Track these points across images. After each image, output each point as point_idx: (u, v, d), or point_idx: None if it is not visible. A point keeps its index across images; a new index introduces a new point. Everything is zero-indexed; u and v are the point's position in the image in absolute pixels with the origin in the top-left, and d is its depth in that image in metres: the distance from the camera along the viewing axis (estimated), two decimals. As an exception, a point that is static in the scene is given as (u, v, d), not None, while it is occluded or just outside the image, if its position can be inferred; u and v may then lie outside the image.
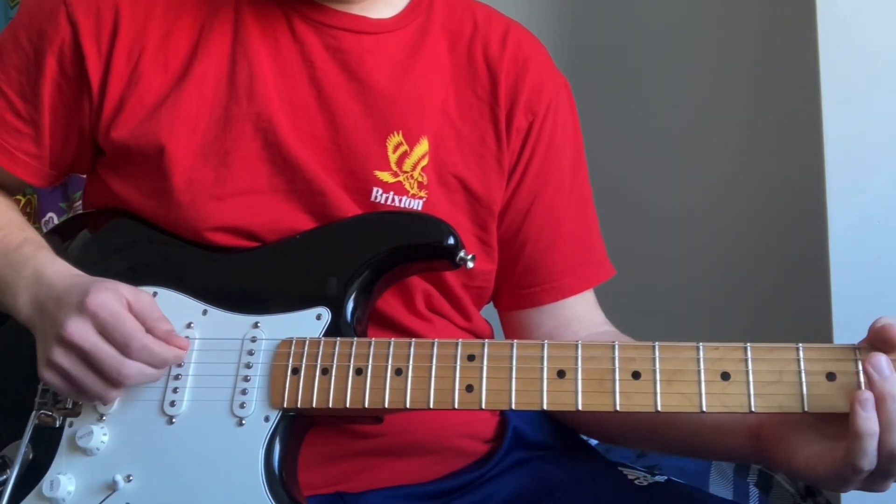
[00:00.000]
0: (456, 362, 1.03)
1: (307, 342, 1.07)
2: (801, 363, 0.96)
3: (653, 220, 2.27)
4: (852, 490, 0.96)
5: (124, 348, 1.04)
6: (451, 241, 1.12)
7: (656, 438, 1.22)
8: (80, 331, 1.04)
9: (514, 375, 1.01)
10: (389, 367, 1.04)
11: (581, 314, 1.32)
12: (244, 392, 1.07)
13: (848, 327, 1.60)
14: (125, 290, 1.07)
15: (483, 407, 1.01)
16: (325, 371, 1.05)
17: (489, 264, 1.29)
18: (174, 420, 1.08)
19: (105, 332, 1.04)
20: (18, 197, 1.35)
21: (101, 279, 1.08)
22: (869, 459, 0.92)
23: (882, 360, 0.94)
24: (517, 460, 1.27)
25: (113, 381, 1.05)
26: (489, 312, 1.37)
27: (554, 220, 1.30)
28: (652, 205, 2.27)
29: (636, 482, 1.20)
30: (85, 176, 1.32)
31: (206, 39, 1.20)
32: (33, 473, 1.09)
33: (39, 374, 1.07)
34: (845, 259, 1.64)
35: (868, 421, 0.91)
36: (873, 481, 0.95)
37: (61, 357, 1.05)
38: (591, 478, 1.23)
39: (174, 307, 1.12)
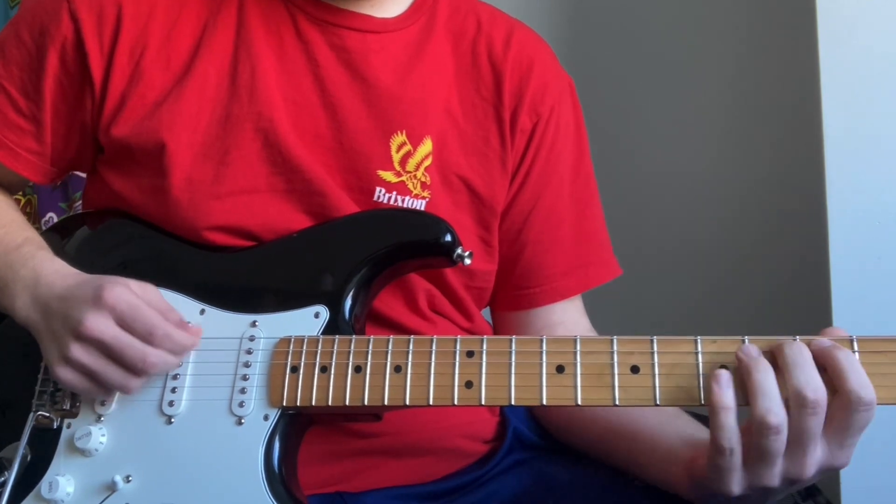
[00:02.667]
0: (455, 358, 1.02)
1: (305, 340, 1.07)
2: (800, 355, 0.96)
3: (652, 220, 2.27)
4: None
5: (148, 337, 1.05)
6: (449, 237, 1.12)
7: (616, 451, 1.23)
8: (100, 324, 1.03)
9: (513, 371, 1.00)
10: (388, 364, 1.04)
11: (567, 319, 1.32)
12: (243, 391, 1.07)
13: (848, 328, 1.59)
14: (133, 284, 1.08)
15: (483, 403, 1.01)
16: (324, 369, 1.05)
17: (490, 264, 1.29)
18: (173, 420, 1.08)
19: (125, 323, 1.04)
20: (18, 196, 1.35)
21: (106, 276, 1.08)
22: (727, 436, 0.94)
23: (752, 347, 0.96)
24: (517, 460, 1.27)
25: (137, 370, 1.05)
26: (486, 313, 1.37)
27: (555, 222, 1.30)
28: (651, 204, 2.28)
29: (635, 482, 1.20)
30: (85, 175, 1.32)
31: (209, 37, 1.21)
32: (32, 475, 1.08)
33: (53, 374, 1.07)
34: (845, 259, 1.64)
35: (722, 396, 0.94)
36: (758, 471, 0.95)
37: (80, 352, 1.04)
38: (590, 478, 1.22)
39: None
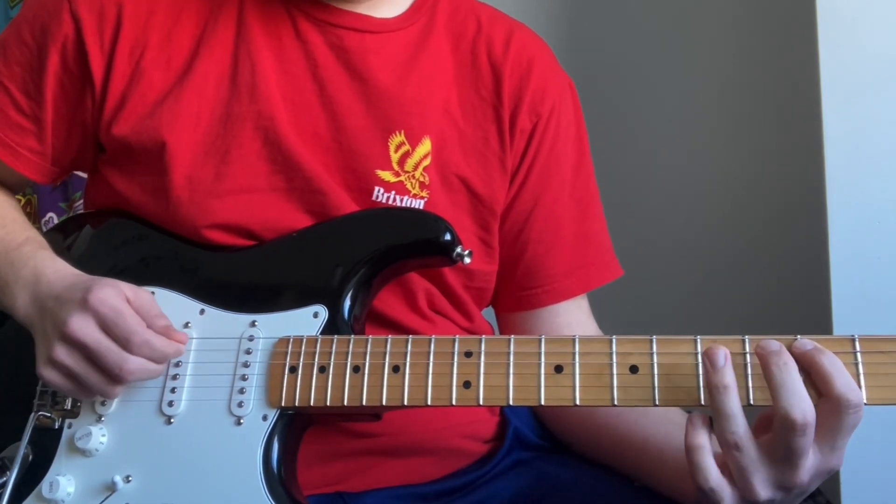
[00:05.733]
0: (453, 359, 1.02)
1: (304, 340, 1.07)
2: (802, 354, 0.95)
3: (653, 219, 2.27)
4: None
5: (126, 343, 1.04)
6: (448, 236, 1.12)
7: (622, 461, 1.23)
8: (83, 327, 1.03)
9: (511, 371, 1.00)
10: (387, 364, 1.04)
11: (573, 321, 1.32)
12: (242, 391, 1.07)
13: (848, 327, 1.60)
14: (125, 287, 1.07)
15: (481, 403, 1.00)
16: (323, 369, 1.05)
17: (490, 265, 1.29)
18: (172, 420, 1.08)
19: (107, 327, 1.04)
20: (19, 196, 1.35)
21: (100, 277, 1.08)
22: (703, 474, 0.93)
23: (720, 352, 0.94)
24: (518, 460, 1.27)
25: (115, 377, 1.04)
26: (488, 313, 1.36)
27: (556, 222, 1.30)
28: (652, 204, 2.28)
29: (636, 483, 1.20)
30: (86, 175, 1.32)
31: (209, 37, 1.21)
32: (33, 475, 1.08)
33: (39, 373, 1.07)
34: (845, 259, 1.64)
35: (716, 376, 0.93)
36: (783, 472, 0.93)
37: (63, 354, 1.04)
38: (591, 478, 1.22)
39: (171, 307, 1.11)
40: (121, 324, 1.04)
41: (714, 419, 0.94)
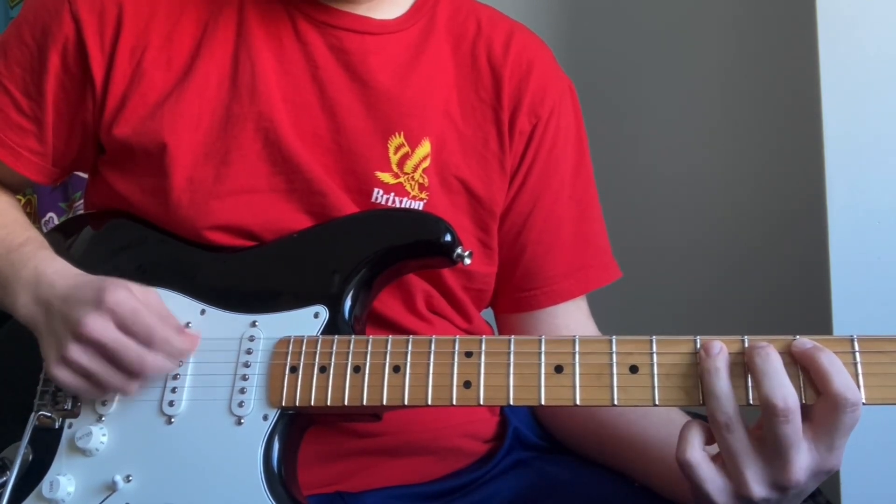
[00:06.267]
0: (454, 359, 1.02)
1: (305, 340, 1.07)
2: (801, 354, 0.95)
3: (652, 220, 2.27)
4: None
5: (148, 341, 1.05)
6: (448, 237, 1.12)
7: (623, 463, 1.23)
8: (101, 327, 1.03)
9: (511, 371, 1.00)
10: (387, 364, 1.04)
11: (572, 323, 1.32)
12: (243, 391, 1.07)
13: (848, 328, 1.60)
14: (135, 288, 1.08)
15: (481, 403, 1.00)
16: (323, 369, 1.05)
17: (490, 267, 1.29)
18: (173, 420, 1.08)
19: (126, 326, 1.04)
20: (19, 196, 1.35)
21: (108, 278, 1.08)
22: (683, 445, 0.95)
23: (716, 343, 0.96)
24: (518, 460, 1.27)
25: (134, 373, 1.05)
26: (487, 314, 1.37)
27: (555, 224, 1.30)
28: (651, 205, 2.27)
29: (636, 483, 1.20)
30: (86, 175, 1.32)
31: (210, 38, 1.21)
32: (33, 475, 1.08)
33: (49, 373, 1.07)
34: (845, 260, 1.64)
35: (708, 361, 0.95)
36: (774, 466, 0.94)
37: (78, 353, 1.04)
38: (591, 477, 1.23)
39: (172, 307, 1.11)
40: (140, 322, 1.05)
41: (706, 403, 0.94)
